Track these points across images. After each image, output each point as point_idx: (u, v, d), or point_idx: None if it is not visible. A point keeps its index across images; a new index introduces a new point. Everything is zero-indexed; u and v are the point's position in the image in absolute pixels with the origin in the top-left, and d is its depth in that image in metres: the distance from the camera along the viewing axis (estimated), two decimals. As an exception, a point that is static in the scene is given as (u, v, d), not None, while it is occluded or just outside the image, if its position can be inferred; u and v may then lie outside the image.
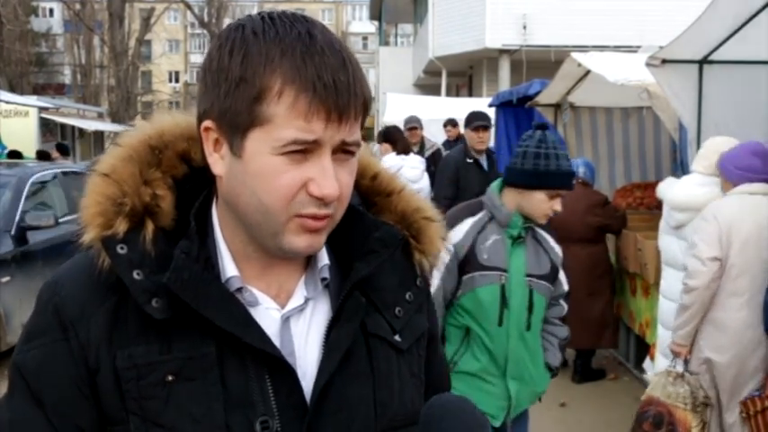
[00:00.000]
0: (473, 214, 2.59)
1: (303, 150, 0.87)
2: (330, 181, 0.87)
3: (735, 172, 3.41)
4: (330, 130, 0.86)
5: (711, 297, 3.29)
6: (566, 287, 2.80)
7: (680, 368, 3.34)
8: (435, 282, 2.49)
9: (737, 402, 3.28)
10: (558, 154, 2.48)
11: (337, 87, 0.85)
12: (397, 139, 7.14)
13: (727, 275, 3.27)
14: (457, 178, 5.93)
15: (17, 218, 6.18)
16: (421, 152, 7.99)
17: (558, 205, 2.52)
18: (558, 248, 2.72)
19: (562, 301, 2.81)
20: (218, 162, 0.92)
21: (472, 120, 6.08)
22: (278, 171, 0.87)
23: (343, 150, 0.89)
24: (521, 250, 2.59)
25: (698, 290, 3.28)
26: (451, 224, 2.54)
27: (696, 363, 3.39)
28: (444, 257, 2.49)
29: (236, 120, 0.88)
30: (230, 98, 0.87)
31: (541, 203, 2.50)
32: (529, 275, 2.59)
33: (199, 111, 0.93)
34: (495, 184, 2.64)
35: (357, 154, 0.93)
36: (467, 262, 2.53)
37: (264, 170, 0.87)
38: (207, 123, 0.91)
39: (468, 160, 5.99)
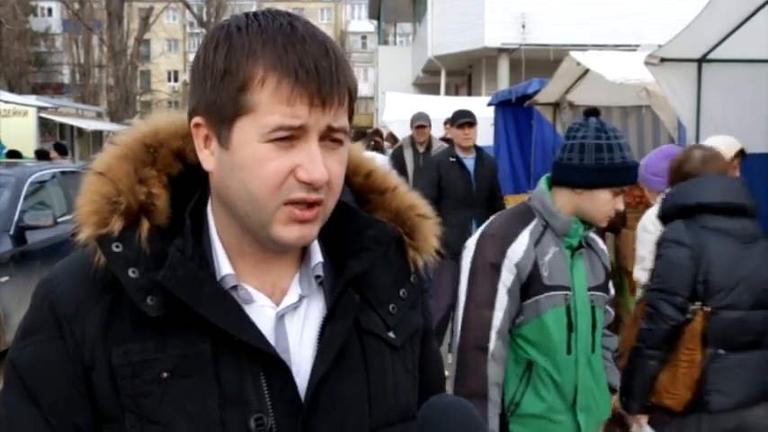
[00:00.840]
0: (526, 224, 2.20)
1: (290, 137, 0.88)
2: (318, 165, 0.88)
3: (653, 179, 3.39)
4: (315, 115, 0.87)
5: None
6: (612, 291, 2.49)
7: None
8: (499, 314, 2.14)
9: None
10: (621, 144, 2.13)
11: (319, 73, 0.87)
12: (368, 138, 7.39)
13: None
14: (439, 178, 5.90)
15: (16, 217, 6.17)
16: (428, 151, 7.98)
17: (620, 203, 2.18)
18: (605, 248, 2.42)
19: (608, 307, 2.46)
20: (209, 158, 0.93)
21: (457, 117, 6.04)
22: (265, 158, 0.88)
23: (330, 138, 0.90)
24: (580, 261, 2.25)
25: None
26: (508, 238, 2.17)
27: None
28: (506, 281, 2.15)
29: (223, 111, 0.89)
30: (216, 91, 0.89)
31: (606, 204, 2.16)
32: (589, 289, 2.26)
33: (189, 109, 0.94)
34: (545, 186, 2.25)
35: (346, 144, 0.94)
36: (530, 283, 2.16)
37: (252, 158, 0.88)
38: (196, 120, 0.92)
39: (452, 159, 5.96)
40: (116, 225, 0.91)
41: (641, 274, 3.29)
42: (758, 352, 2.63)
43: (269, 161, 0.87)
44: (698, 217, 2.67)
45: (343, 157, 0.94)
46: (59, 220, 6.51)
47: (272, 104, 0.86)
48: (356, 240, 1.00)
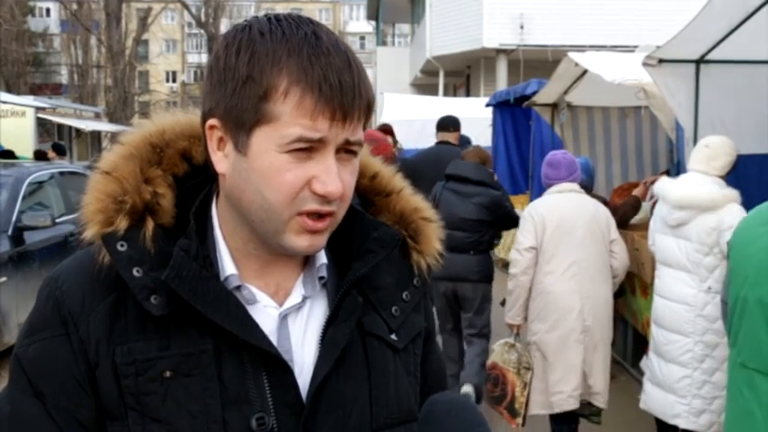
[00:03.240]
0: None
1: (308, 149, 0.88)
2: (334, 179, 0.88)
3: (543, 180, 4.32)
4: (335, 130, 0.88)
5: (530, 281, 4.10)
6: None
7: (512, 340, 4.20)
8: None
9: (560, 363, 4.01)
10: None
11: (342, 88, 0.87)
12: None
13: (542, 258, 4.07)
14: None
15: (14, 218, 6.16)
16: None
17: None
18: None
19: None
20: (222, 160, 0.93)
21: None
22: (282, 168, 0.88)
23: (345, 150, 0.91)
24: None
25: (517, 276, 4.10)
26: None
27: (529, 333, 4.18)
28: None
29: (242, 117, 0.89)
30: (237, 96, 0.88)
31: None
32: None
33: (204, 109, 0.94)
34: None
35: (359, 155, 0.94)
36: None
37: (269, 167, 0.88)
38: (212, 122, 0.92)
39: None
40: (121, 224, 0.91)
41: (513, 253, 4.15)
42: (464, 255, 4.77)
43: (287, 171, 0.88)
44: (448, 182, 4.89)
45: (356, 167, 0.94)
46: (58, 220, 6.51)
47: (294, 117, 0.86)
48: (360, 243, 1.01)
